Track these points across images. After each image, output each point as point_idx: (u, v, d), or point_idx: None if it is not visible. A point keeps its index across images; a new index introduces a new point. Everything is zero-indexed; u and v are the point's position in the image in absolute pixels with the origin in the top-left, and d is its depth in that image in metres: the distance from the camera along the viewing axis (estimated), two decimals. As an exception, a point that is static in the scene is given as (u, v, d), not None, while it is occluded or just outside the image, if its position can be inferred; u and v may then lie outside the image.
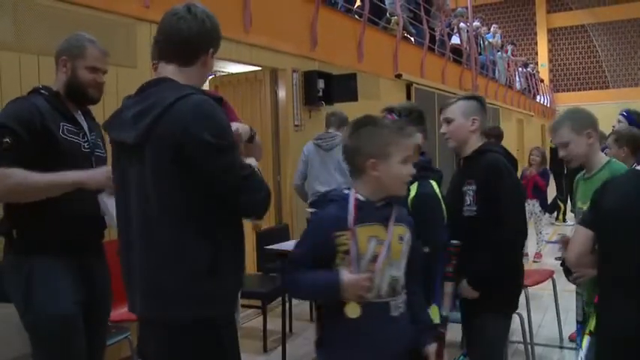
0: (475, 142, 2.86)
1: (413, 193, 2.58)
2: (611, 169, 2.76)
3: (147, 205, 1.89)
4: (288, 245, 4.81)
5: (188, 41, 1.96)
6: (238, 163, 1.91)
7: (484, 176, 2.72)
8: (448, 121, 2.87)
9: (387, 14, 9.37)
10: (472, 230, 2.67)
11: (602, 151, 5.49)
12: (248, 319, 5.49)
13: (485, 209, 2.70)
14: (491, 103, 14.66)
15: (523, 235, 2.87)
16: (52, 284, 2.41)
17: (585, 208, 2.73)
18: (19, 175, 2.30)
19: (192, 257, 1.88)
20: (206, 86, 6.65)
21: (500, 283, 2.73)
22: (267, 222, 6.35)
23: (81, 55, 2.54)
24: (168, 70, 1.98)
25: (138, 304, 1.98)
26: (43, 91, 2.52)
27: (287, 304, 4.93)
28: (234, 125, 2.14)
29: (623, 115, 5.09)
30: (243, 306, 4.92)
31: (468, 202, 2.74)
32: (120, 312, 3.42)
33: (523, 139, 17.68)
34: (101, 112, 2.78)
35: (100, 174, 2.41)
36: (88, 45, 2.56)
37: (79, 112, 2.62)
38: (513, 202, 2.74)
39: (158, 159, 1.85)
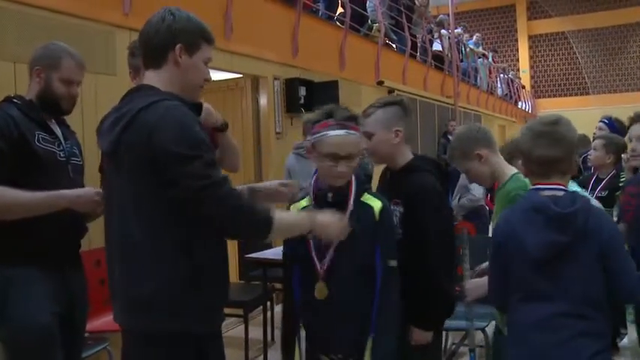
0: (403, 155, 2.59)
1: (378, 205, 2.31)
2: (512, 181, 2.64)
3: (125, 212, 1.89)
4: (270, 253, 4.79)
5: (150, 41, 1.98)
6: (199, 174, 1.80)
7: (411, 198, 2.47)
8: (368, 135, 2.52)
9: (369, 21, 9.40)
10: (399, 253, 2.40)
11: (584, 155, 5.51)
12: (229, 327, 5.45)
13: (412, 233, 2.45)
14: (473, 110, 14.76)
15: (451, 262, 2.60)
16: (29, 295, 2.37)
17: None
18: (7, 194, 2.26)
19: (170, 269, 1.86)
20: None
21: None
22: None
23: (56, 67, 2.50)
24: (148, 76, 2.00)
25: (119, 314, 1.98)
26: (15, 100, 2.47)
27: (269, 313, 4.91)
28: (206, 106, 2.19)
29: (604, 122, 5.12)
30: (225, 314, 4.88)
31: (395, 223, 2.46)
32: (98, 322, 3.39)
33: (505, 145, 17.77)
34: (79, 120, 2.77)
35: (86, 198, 2.35)
36: (64, 56, 2.52)
37: (54, 120, 2.58)
38: (441, 227, 2.50)
39: (130, 167, 1.86)
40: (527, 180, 2.52)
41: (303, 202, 2.36)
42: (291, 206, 2.43)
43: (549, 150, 2.12)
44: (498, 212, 2.58)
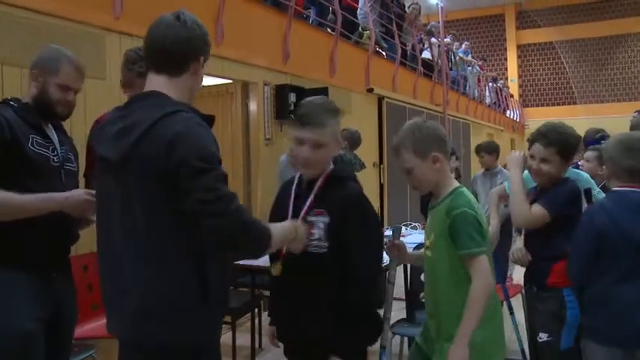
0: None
1: None
2: (455, 198, 2.33)
3: (133, 226, 1.81)
4: (259, 260, 4.76)
5: (177, 49, 1.90)
6: (211, 187, 1.75)
7: (345, 209, 2.28)
8: (320, 145, 2.29)
9: (360, 28, 9.42)
10: (319, 269, 2.27)
11: (574, 165, 5.52)
12: (217, 334, 5.41)
13: (340, 245, 2.26)
14: (462, 118, 14.82)
15: (380, 274, 2.49)
16: (12, 299, 2.32)
17: (429, 242, 2.43)
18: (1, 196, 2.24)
19: (182, 282, 1.82)
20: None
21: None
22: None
23: (54, 72, 2.46)
24: (158, 81, 1.92)
25: (121, 326, 1.90)
26: (12, 103, 2.44)
27: (256, 320, 4.89)
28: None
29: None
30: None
31: (317, 237, 2.26)
32: (84, 329, 3.35)
33: (493, 153, 17.87)
34: (67, 123, 2.73)
35: (75, 199, 2.32)
36: (63, 62, 2.48)
37: (50, 125, 2.55)
38: (374, 240, 2.39)
39: (142, 179, 1.78)
40: (470, 196, 2.36)
41: None
42: None
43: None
44: (433, 227, 2.41)
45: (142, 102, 1.88)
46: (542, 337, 2.71)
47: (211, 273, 1.86)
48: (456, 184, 2.41)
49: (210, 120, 1.93)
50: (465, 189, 2.39)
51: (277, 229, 1.99)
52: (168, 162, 1.73)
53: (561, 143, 2.75)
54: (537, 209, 2.72)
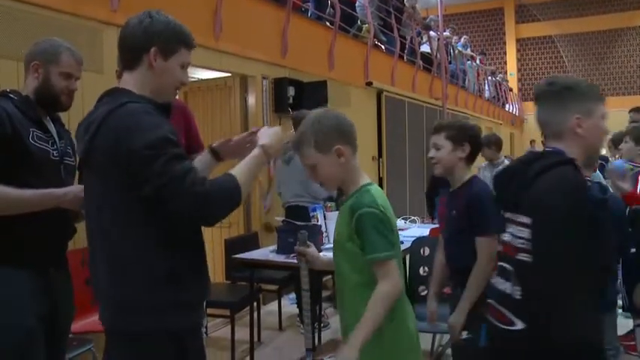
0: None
1: None
2: (360, 196, 2.11)
3: (102, 218, 1.90)
4: (257, 254, 4.76)
5: (125, 43, 1.99)
6: (159, 171, 1.77)
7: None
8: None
9: (358, 22, 9.39)
10: None
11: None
12: (216, 328, 5.42)
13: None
14: (461, 112, 14.79)
15: None
16: (13, 296, 2.32)
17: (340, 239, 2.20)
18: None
19: (149, 267, 1.87)
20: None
21: None
22: (236, 230, 6.30)
23: (55, 61, 2.46)
24: (124, 78, 2.01)
25: (103, 316, 1.97)
26: (11, 95, 2.42)
27: (255, 314, 4.88)
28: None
29: None
30: (211, 315, 4.86)
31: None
32: (82, 323, 3.35)
33: (492, 147, 17.87)
34: (65, 118, 2.72)
35: (73, 194, 2.34)
36: (63, 51, 2.49)
37: (48, 118, 2.53)
38: None
39: (102, 171, 1.87)
40: (379, 194, 2.14)
41: None
42: None
43: None
44: (338, 226, 2.22)
45: (105, 99, 1.97)
46: (463, 334, 2.71)
47: (181, 257, 1.92)
48: (366, 180, 2.18)
49: (166, 109, 1.99)
50: (374, 186, 2.18)
51: (242, 167, 1.98)
52: (118, 153, 1.80)
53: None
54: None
